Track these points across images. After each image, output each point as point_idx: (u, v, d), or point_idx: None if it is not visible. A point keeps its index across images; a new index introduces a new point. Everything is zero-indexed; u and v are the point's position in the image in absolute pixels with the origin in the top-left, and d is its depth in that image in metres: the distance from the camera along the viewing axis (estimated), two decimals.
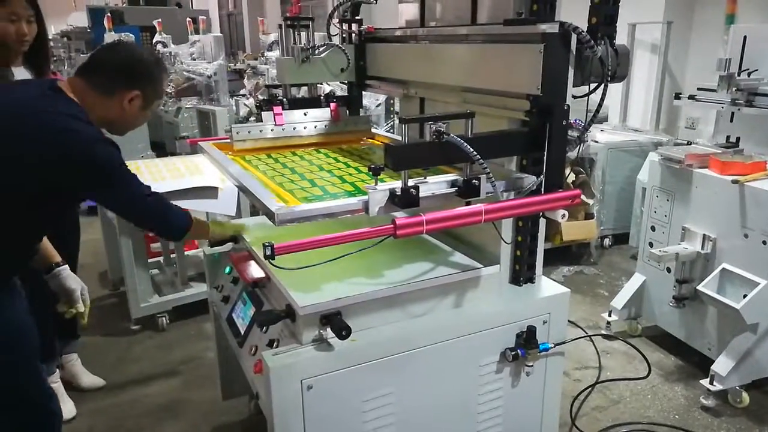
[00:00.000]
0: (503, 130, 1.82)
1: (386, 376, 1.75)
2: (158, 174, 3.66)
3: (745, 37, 3.49)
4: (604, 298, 4.27)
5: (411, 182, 1.57)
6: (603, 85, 1.71)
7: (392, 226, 1.52)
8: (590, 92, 1.74)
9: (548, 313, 1.96)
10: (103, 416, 3.00)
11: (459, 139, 1.54)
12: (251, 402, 2.90)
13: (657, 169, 3.46)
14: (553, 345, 1.97)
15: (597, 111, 1.77)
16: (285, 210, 1.56)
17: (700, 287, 3.05)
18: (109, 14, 9.44)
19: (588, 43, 1.60)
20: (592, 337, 3.37)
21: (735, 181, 2.92)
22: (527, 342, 1.91)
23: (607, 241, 5.24)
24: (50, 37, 10.87)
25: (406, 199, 1.55)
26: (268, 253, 1.45)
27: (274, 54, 6.94)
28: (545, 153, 1.73)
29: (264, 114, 2.47)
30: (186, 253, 4.17)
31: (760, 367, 3.01)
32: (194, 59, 8.02)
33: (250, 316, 2.02)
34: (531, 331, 1.92)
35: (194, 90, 7.84)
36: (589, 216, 4.83)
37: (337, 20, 2.56)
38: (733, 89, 3.33)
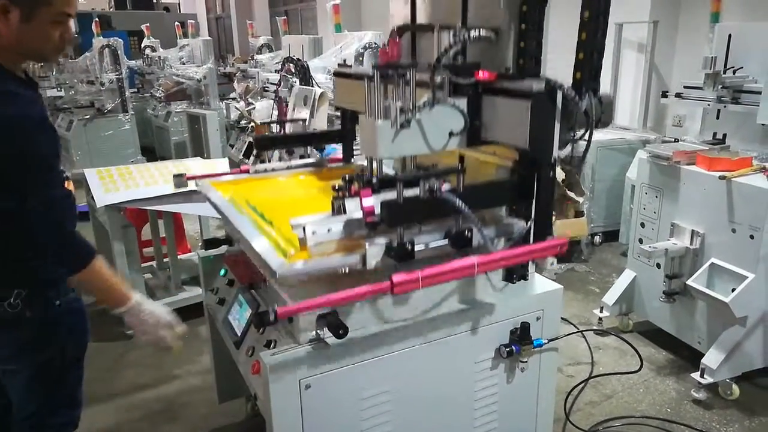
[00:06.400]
0: (493, 180, 1.87)
1: (383, 373, 1.77)
2: (151, 178, 3.68)
3: (729, 35, 3.55)
4: (596, 294, 4.31)
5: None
6: (588, 131, 1.76)
7: (389, 284, 1.55)
8: (577, 140, 1.79)
9: (542, 309, 1.99)
10: (99, 422, 3.00)
11: (452, 195, 1.59)
12: (248, 404, 2.91)
13: (645, 166, 3.50)
14: (546, 341, 2.00)
15: (585, 153, 1.82)
16: (286, 267, 1.56)
17: (689, 282, 3.09)
18: (96, 19, 9.41)
19: (573, 100, 1.65)
20: (584, 333, 3.41)
21: (722, 177, 2.96)
22: (521, 338, 1.94)
23: (597, 239, 5.28)
24: None
25: (401, 254, 1.59)
26: (272, 319, 1.47)
27: (264, 57, 6.94)
28: (534, 202, 1.77)
29: (348, 203, 1.70)
30: (179, 257, 4.17)
31: (749, 360, 3.06)
32: (183, 63, 8.03)
33: (246, 317, 2.03)
34: (525, 327, 1.94)
35: (184, 94, 7.86)
36: (579, 214, 4.88)
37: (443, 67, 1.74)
38: (719, 87, 3.38)
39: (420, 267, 1.58)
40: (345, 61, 4.94)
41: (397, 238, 1.59)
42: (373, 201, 1.60)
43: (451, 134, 1.74)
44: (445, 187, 1.64)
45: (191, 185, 3.44)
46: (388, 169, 2.25)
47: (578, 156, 1.83)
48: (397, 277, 1.54)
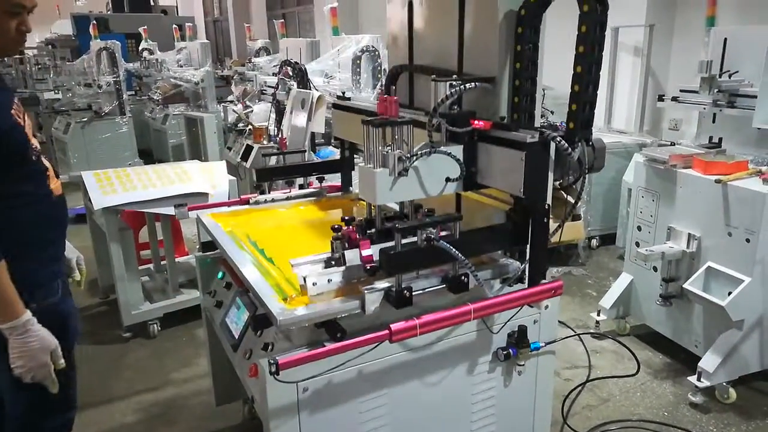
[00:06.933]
0: (489, 227, 1.91)
1: (381, 377, 1.78)
2: (148, 181, 3.68)
3: (725, 39, 3.56)
4: (593, 298, 4.32)
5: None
6: (581, 178, 1.80)
7: (388, 332, 1.58)
8: (570, 184, 1.82)
9: (539, 312, 1.99)
10: (96, 425, 2.99)
11: (448, 245, 1.62)
12: (245, 407, 2.90)
13: (642, 170, 3.51)
14: (543, 344, 2.00)
15: (578, 199, 1.86)
16: (287, 314, 1.58)
17: (686, 285, 3.10)
18: (94, 22, 9.41)
19: (566, 151, 1.68)
20: (581, 336, 3.41)
21: (718, 181, 2.98)
22: (519, 341, 1.94)
23: (594, 242, 5.30)
24: (35, 45, 10.77)
25: (399, 300, 1.63)
26: (273, 369, 1.49)
27: (261, 60, 6.95)
28: (528, 245, 1.81)
29: (348, 254, 1.75)
30: (177, 259, 4.17)
31: (746, 363, 3.07)
32: (181, 66, 8.02)
33: (243, 320, 2.03)
34: (522, 330, 1.94)
35: (181, 97, 7.85)
36: (576, 217, 4.88)
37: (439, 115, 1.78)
38: (715, 91, 3.39)
39: (418, 310, 1.66)
40: (339, 65, 4.97)
41: (395, 285, 1.64)
42: (372, 251, 1.67)
43: (447, 180, 1.78)
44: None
45: (191, 188, 3.48)
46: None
47: (571, 204, 1.87)
48: (395, 326, 1.59)
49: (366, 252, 1.66)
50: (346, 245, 1.78)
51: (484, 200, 2.02)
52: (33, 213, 1.83)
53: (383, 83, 2.29)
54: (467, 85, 1.78)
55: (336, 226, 1.82)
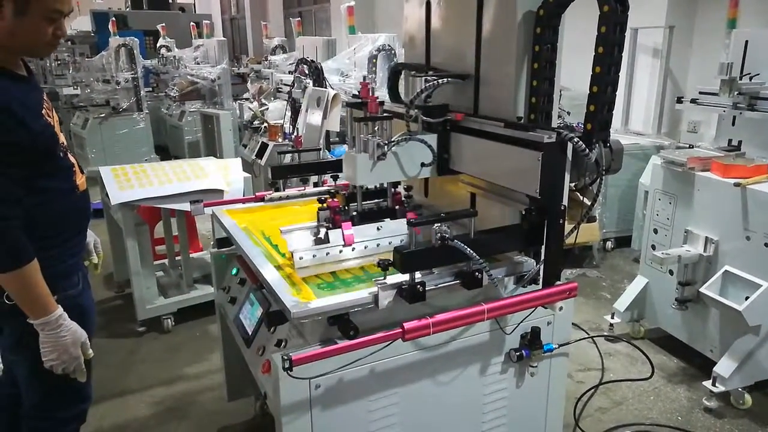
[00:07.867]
0: (504, 227, 1.91)
1: (392, 376, 1.78)
2: (165, 177, 3.71)
3: (746, 42, 3.52)
4: (607, 300, 4.29)
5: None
6: (598, 179, 1.79)
7: (401, 330, 1.58)
8: (587, 186, 1.81)
9: (552, 314, 1.98)
10: (109, 417, 3.03)
11: (462, 244, 1.62)
12: (256, 403, 2.92)
13: (659, 172, 3.48)
14: (557, 346, 2.00)
15: (594, 201, 1.85)
16: (300, 307, 1.59)
17: (702, 289, 3.06)
18: (113, 18, 9.51)
19: (583, 152, 1.67)
20: (595, 338, 3.40)
21: (737, 184, 2.94)
22: (532, 343, 1.94)
23: (609, 244, 5.26)
24: None
25: (412, 295, 1.63)
26: (287, 365, 1.51)
27: (278, 58, 6.98)
28: (543, 246, 1.80)
29: (331, 233, 1.92)
30: (191, 255, 4.20)
31: (762, 369, 3.03)
32: (198, 63, 8.09)
33: (257, 316, 2.04)
34: (535, 332, 1.94)
35: (198, 94, 7.92)
36: (591, 219, 4.85)
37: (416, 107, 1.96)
38: (735, 93, 3.35)
39: (431, 309, 1.67)
40: (355, 63, 4.97)
41: (408, 280, 1.64)
42: (352, 231, 1.89)
43: (422, 165, 1.98)
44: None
45: (207, 184, 3.50)
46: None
47: (586, 205, 1.86)
48: (408, 325, 1.59)
49: (348, 232, 1.88)
50: (331, 226, 1.96)
51: (497, 199, 2.00)
52: (59, 207, 1.86)
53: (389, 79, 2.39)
54: (440, 81, 1.93)
55: (322, 198, 2.03)
